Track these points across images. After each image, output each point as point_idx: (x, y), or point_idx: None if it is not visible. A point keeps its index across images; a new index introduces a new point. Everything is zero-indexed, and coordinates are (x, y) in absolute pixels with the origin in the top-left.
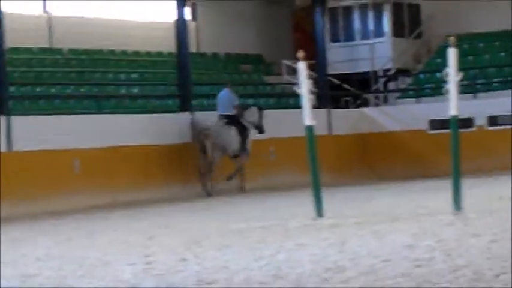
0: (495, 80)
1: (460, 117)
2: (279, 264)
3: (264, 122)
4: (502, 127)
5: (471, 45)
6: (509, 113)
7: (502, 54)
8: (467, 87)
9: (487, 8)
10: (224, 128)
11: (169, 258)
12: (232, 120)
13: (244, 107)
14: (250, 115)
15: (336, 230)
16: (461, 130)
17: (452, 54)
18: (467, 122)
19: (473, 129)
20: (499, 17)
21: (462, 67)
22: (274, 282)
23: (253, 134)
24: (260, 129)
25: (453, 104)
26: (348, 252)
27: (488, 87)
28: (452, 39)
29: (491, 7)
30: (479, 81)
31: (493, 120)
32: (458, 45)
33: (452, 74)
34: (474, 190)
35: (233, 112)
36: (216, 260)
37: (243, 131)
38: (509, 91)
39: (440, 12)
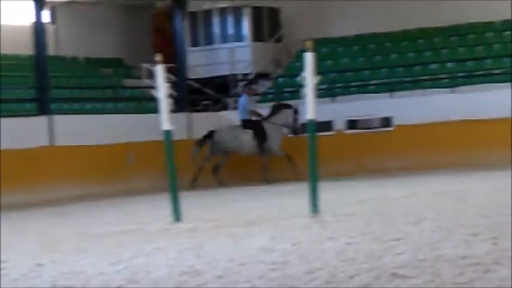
0: (354, 83)
1: (319, 120)
2: (136, 268)
3: (298, 123)
4: (361, 131)
5: (330, 49)
6: (368, 117)
7: (361, 58)
8: (326, 91)
9: (346, 12)
10: (236, 131)
11: (25, 264)
12: (248, 124)
13: (275, 110)
14: (283, 117)
15: (193, 234)
16: (321, 134)
17: (309, 58)
18: (326, 126)
19: (333, 132)
20: (358, 21)
21: (321, 71)
22: (130, 286)
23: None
24: (294, 130)
25: (310, 108)
26: (205, 256)
27: (347, 91)
28: (309, 43)
29: (351, 11)
30: (338, 85)
31: (351, 124)
32: (317, 50)
33: (309, 78)
34: (332, 193)
35: (248, 117)
36: (73, 264)
37: (260, 135)
38: (368, 95)
39: (300, 17)
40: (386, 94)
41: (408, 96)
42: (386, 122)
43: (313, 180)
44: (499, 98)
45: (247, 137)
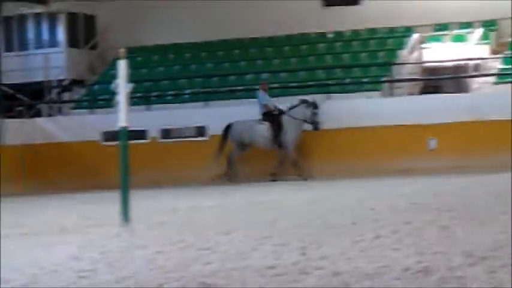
0: (169, 92)
1: (133, 129)
2: None
3: (317, 118)
4: (175, 140)
5: (145, 58)
6: (183, 126)
7: (176, 67)
8: (141, 99)
9: (162, 21)
10: (254, 125)
11: None
12: (265, 117)
13: (295, 104)
14: (301, 111)
15: (3, 241)
16: (135, 142)
17: (122, 66)
18: (140, 134)
19: (147, 141)
20: (174, 30)
21: (136, 79)
22: None
23: None
24: (314, 125)
25: (123, 116)
26: (14, 264)
27: (162, 100)
28: (121, 51)
29: (167, 20)
30: (153, 94)
31: (166, 133)
32: (132, 57)
33: (122, 86)
34: (145, 202)
35: (264, 111)
36: None
37: (275, 128)
38: (183, 104)
39: (116, 24)
40: (201, 103)
41: (223, 105)
42: (201, 131)
43: (125, 189)
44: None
45: (262, 129)
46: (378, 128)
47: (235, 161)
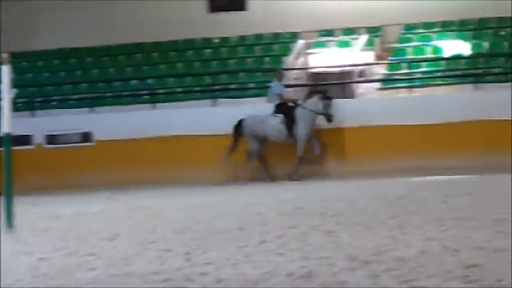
0: (54, 98)
1: (18, 134)
2: None
3: (332, 110)
4: (61, 145)
5: (30, 63)
6: (68, 132)
7: (62, 72)
8: (26, 105)
9: (48, 26)
10: (267, 118)
11: None
12: (278, 108)
13: (307, 96)
14: (313, 103)
15: None
16: (18, 148)
17: (5, 71)
18: (25, 140)
19: (32, 147)
20: (59, 35)
21: (20, 84)
22: None
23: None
24: (327, 118)
25: (6, 121)
26: None
27: (47, 105)
28: (4, 56)
29: (52, 25)
30: (38, 99)
31: (51, 139)
32: (17, 63)
33: (6, 91)
34: (29, 208)
35: (277, 101)
36: None
37: (287, 120)
38: (69, 109)
39: (3, 29)
40: (87, 109)
41: (109, 111)
42: (86, 137)
43: (8, 195)
44: (204, 116)
45: (275, 122)
46: None
47: (263, 157)
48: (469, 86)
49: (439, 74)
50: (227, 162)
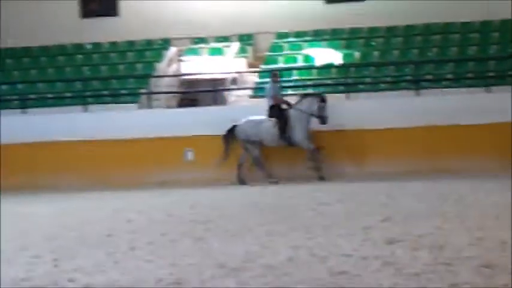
0: None
1: None
2: None
3: (325, 112)
4: None
5: None
6: None
7: None
8: None
9: None
10: (261, 122)
11: None
12: (272, 111)
13: (301, 98)
14: (308, 105)
15: None
16: None
17: None
18: None
19: None
20: None
21: None
22: None
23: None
24: (321, 120)
25: None
26: None
27: None
28: None
29: None
30: None
31: None
32: None
33: None
34: None
35: (271, 103)
36: None
37: (280, 122)
38: None
39: None
40: None
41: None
42: None
43: None
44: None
45: (268, 125)
46: (135, 141)
47: (259, 160)
48: (340, 95)
49: (310, 82)
50: (220, 168)
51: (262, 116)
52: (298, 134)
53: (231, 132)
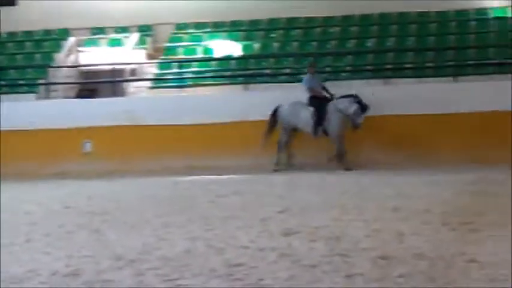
0: None
1: None
2: None
3: (361, 118)
4: None
5: None
6: None
7: None
8: None
9: None
10: (300, 109)
11: None
12: (312, 101)
13: (344, 95)
14: (344, 104)
15: None
16: None
17: None
18: None
19: None
20: None
21: None
22: None
23: None
24: (354, 124)
25: None
26: None
27: None
28: None
29: None
30: None
31: None
32: None
33: None
34: None
35: (310, 94)
36: None
37: (318, 113)
38: None
39: None
40: None
41: None
42: None
43: None
44: None
45: (306, 114)
46: (33, 131)
47: (283, 147)
48: (239, 87)
49: (209, 74)
50: (263, 148)
51: (301, 103)
52: (332, 128)
53: (275, 114)
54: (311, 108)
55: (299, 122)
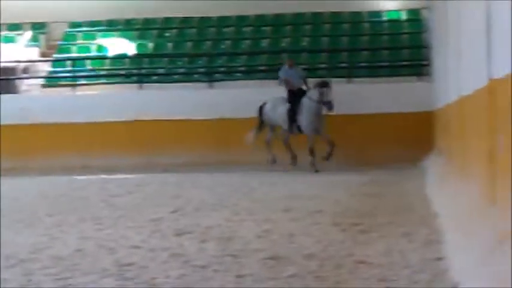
0: None
1: None
2: None
3: (329, 97)
4: None
5: None
6: None
7: None
8: None
9: None
10: (278, 105)
11: None
12: (288, 97)
13: (314, 85)
14: (315, 92)
15: None
16: None
17: None
18: None
19: None
20: None
21: None
22: None
23: None
24: (327, 106)
25: None
26: None
27: None
28: None
29: None
30: None
31: None
32: None
33: None
34: None
35: (286, 88)
36: None
37: (292, 108)
38: None
39: None
40: None
41: None
42: None
43: None
44: None
45: (282, 110)
46: None
47: (268, 144)
48: (132, 86)
49: (103, 72)
50: (253, 145)
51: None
52: (305, 122)
53: (260, 112)
54: (288, 104)
55: (278, 119)
